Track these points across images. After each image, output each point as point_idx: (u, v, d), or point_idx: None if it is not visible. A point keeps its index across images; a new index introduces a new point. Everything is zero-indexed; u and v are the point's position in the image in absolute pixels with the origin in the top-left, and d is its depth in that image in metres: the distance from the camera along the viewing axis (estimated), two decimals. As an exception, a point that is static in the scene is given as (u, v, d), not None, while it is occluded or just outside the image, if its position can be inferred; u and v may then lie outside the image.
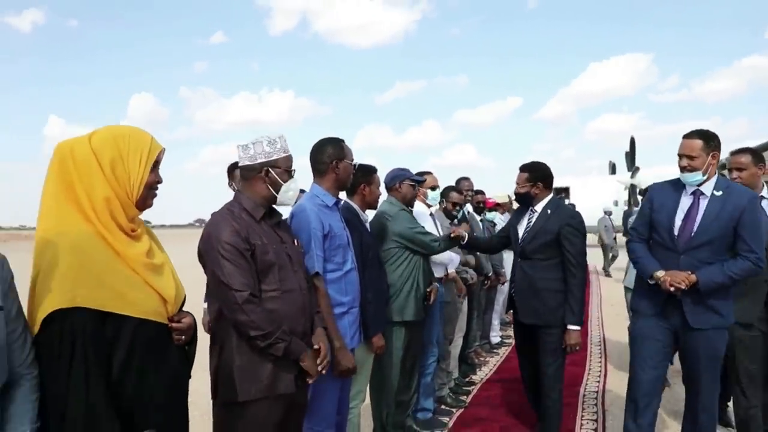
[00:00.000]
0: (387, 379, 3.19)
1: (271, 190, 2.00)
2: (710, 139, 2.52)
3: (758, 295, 2.85)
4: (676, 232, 2.54)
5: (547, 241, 2.97)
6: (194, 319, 1.54)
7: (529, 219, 3.13)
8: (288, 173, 2.04)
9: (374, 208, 3.09)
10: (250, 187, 2.02)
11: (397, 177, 3.30)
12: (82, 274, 1.31)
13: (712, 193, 2.52)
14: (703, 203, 2.53)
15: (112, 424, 1.29)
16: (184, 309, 1.56)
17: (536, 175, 3.09)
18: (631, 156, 22.61)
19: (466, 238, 3.31)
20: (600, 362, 5.02)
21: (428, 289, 3.25)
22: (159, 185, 1.51)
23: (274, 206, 2.07)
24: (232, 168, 3.17)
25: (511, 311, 3.35)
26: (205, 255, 1.84)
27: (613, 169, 25.22)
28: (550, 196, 3.12)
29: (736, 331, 2.82)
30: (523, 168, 3.15)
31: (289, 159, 2.07)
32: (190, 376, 1.59)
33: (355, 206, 2.86)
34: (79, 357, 1.27)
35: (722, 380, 3.25)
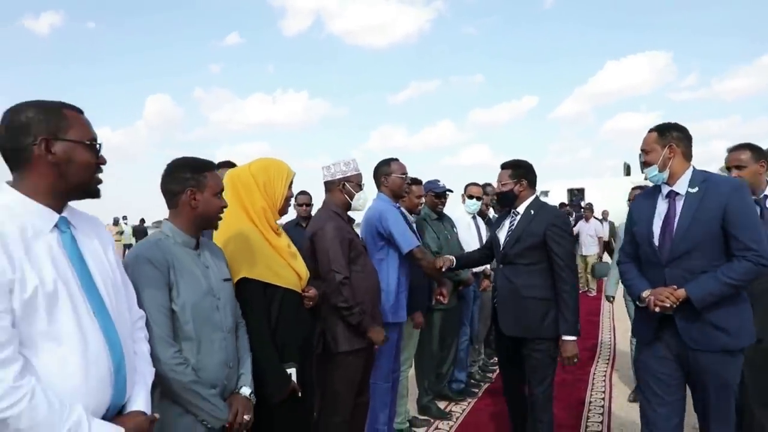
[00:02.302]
0: (428, 353, 3.89)
1: (347, 198, 2.72)
2: (665, 131, 2.30)
3: (765, 308, 2.51)
4: (656, 243, 2.25)
5: (532, 244, 2.71)
6: (317, 291, 2.24)
7: (511, 222, 2.86)
8: (359, 186, 2.76)
9: (415, 212, 3.77)
10: (333, 197, 2.74)
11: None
12: (254, 257, 2.00)
13: (687, 191, 2.22)
14: (679, 205, 2.23)
15: (276, 354, 1.98)
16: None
17: (520, 171, 2.85)
18: (644, 158, 22.94)
19: (455, 263, 3.18)
20: (605, 372, 4.92)
21: (462, 280, 3.94)
22: (292, 197, 2.21)
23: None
24: (218, 167, 3.70)
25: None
26: (316, 245, 2.55)
27: (627, 170, 25.52)
28: (534, 196, 2.87)
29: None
30: (506, 165, 2.90)
31: (359, 176, 2.78)
32: (315, 329, 2.30)
33: (404, 210, 3.57)
34: (256, 311, 1.96)
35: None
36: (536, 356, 2.70)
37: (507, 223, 2.89)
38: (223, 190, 1.81)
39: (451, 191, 4.19)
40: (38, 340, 1.16)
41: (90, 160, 1.30)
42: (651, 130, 2.34)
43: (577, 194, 21.07)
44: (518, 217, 2.82)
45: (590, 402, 4.18)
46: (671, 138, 2.27)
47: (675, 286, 2.14)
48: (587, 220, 9.68)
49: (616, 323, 6.96)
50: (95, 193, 1.34)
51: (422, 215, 3.93)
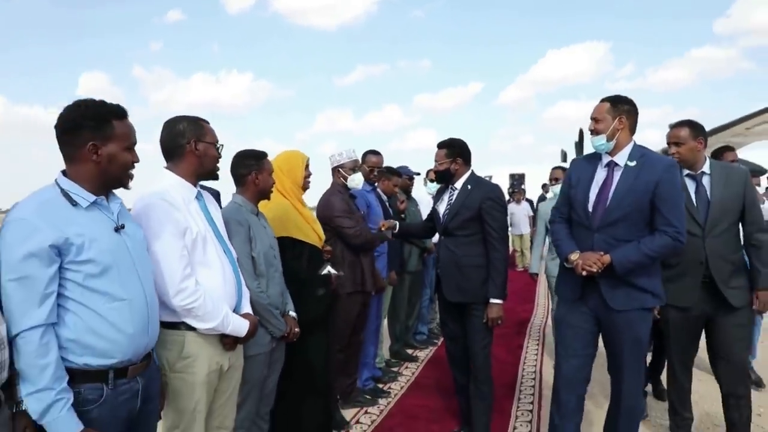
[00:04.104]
0: (399, 309, 4.75)
1: (344, 180, 3.48)
2: (618, 103, 2.38)
3: (695, 278, 2.68)
4: (590, 208, 2.37)
5: (469, 216, 2.90)
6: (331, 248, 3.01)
7: (450, 196, 3.04)
8: (352, 170, 3.50)
9: (390, 195, 4.58)
10: (335, 179, 3.49)
11: None
12: (290, 221, 2.74)
13: (626, 164, 2.33)
14: (617, 175, 2.35)
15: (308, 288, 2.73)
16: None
17: (455, 150, 3.02)
18: (579, 145, 24.57)
19: (397, 228, 3.45)
20: (537, 347, 5.18)
21: (427, 247, 4.81)
22: (310, 176, 2.92)
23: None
24: None
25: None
26: (326, 215, 3.29)
27: (564, 157, 26.97)
28: (470, 172, 3.04)
29: (672, 315, 2.77)
30: (441, 145, 3.06)
31: (353, 161, 3.51)
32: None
33: (380, 191, 4.38)
34: (292, 259, 2.70)
35: (658, 355, 3.63)
36: (477, 316, 2.91)
37: (446, 197, 3.08)
38: (273, 171, 2.53)
39: (418, 174, 5.05)
40: (197, 266, 1.88)
41: (216, 155, 2.02)
42: (604, 100, 2.41)
43: (518, 179, 22.51)
44: (456, 192, 3.00)
45: (527, 346, 5.19)
46: (623, 110, 2.36)
47: (602, 252, 2.29)
48: (518, 202, 10.87)
49: (551, 290, 8.08)
50: (216, 176, 2.07)
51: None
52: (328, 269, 2.80)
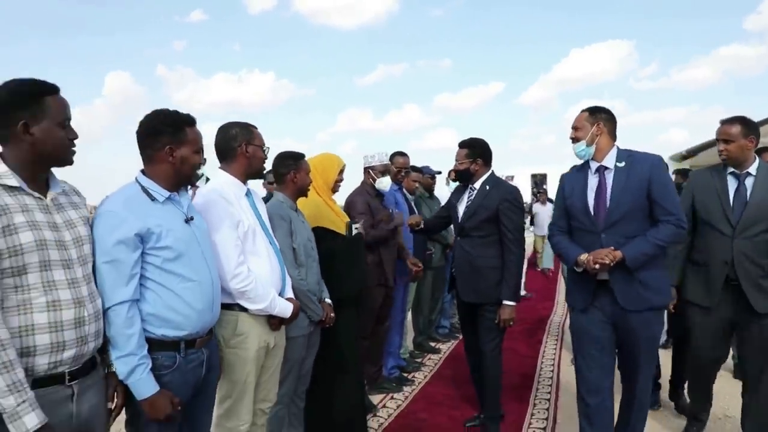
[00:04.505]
0: (423, 303, 4.97)
1: (372, 181, 3.72)
2: (596, 111, 2.50)
3: (718, 278, 2.68)
4: (592, 212, 2.45)
5: (486, 217, 2.94)
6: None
7: (469, 196, 3.08)
8: (382, 173, 3.75)
9: (412, 192, 4.81)
10: (365, 178, 3.74)
11: None
12: (323, 216, 2.97)
13: (615, 166, 2.44)
14: (609, 177, 2.44)
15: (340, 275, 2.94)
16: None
17: (476, 151, 3.05)
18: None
19: (421, 224, 3.60)
20: (556, 342, 5.26)
21: (450, 244, 5.02)
22: (342, 181, 3.16)
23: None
24: None
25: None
26: (348, 212, 3.52)
27: (587, 158, 27.04)
28: (489, 172, 3.07)
29: (695, 315, 2.79)
30: (463, 144, 3.10)
31: (384, 165, 3.76)
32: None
33: (405, 191, 4.60)
34: (326, 247, 2.93)
35: (679, 368, 3.47)
36: (489, 318, 2.99)
37: (465, 197, 3.13)
38: (310, 171, 2.76)
39: (440, 173, 5.28)
40: (248, 254, 2.13)
41: (263, 157, 2.27)
42: (583, 111, 2.56)
43: (540, 179, 22.48)
44: (475, 192, 3.05)
45: (546, 341, 5.35)
46: (600, 118, 2.49)
47: (612, 248, 2.34)
48: (543, 203, 10.95)
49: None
50: (263, 176, 2.31)
51: (418, 194, 4.97)
52: (353, 227, 2.98)
